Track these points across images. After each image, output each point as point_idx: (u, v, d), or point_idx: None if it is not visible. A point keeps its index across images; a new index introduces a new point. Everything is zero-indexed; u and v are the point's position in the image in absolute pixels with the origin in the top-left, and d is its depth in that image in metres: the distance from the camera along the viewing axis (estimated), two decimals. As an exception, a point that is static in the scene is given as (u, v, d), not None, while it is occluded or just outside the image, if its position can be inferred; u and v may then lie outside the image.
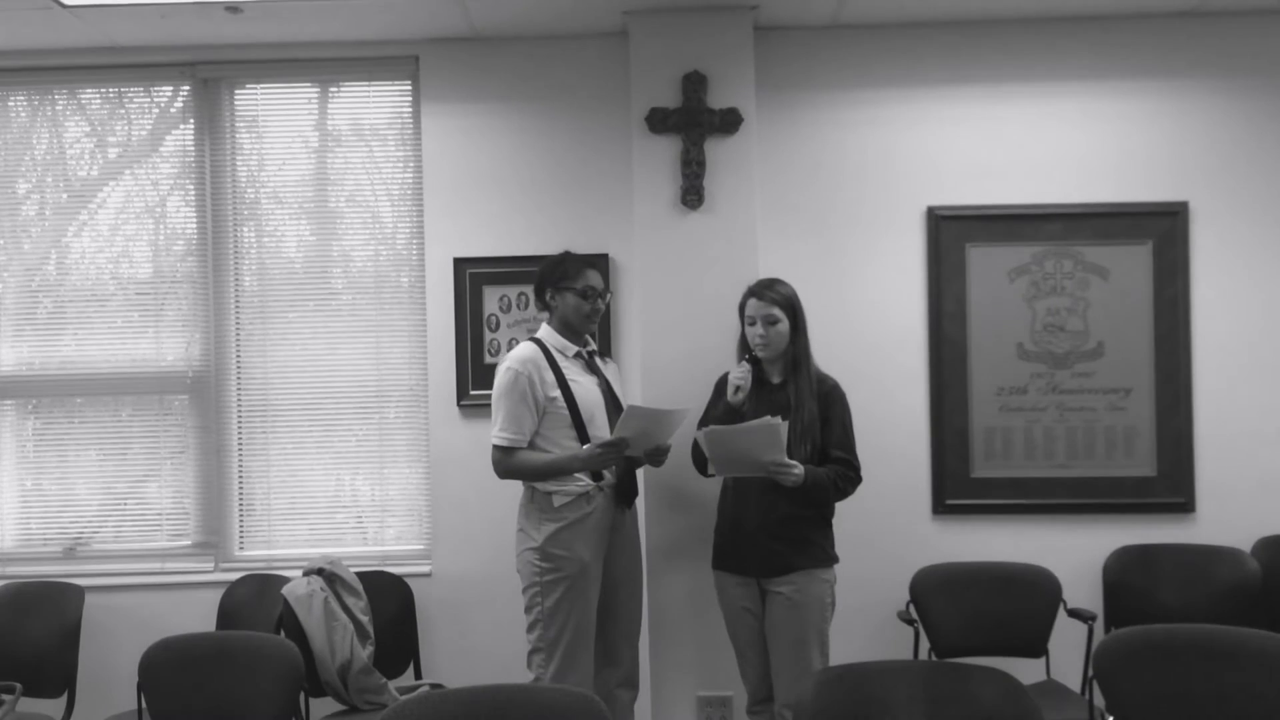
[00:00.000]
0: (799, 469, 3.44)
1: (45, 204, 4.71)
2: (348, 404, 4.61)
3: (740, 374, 3.62)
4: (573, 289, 3.70)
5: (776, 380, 3.66)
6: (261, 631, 3.94)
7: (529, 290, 4.40)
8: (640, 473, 3.85)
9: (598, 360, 3.83)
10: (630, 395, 3.94)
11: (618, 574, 3.76)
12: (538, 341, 3.72)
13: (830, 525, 3.65)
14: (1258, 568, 4.19)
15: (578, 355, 3.74)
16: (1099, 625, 4.11)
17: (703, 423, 3.66)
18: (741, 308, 3.68)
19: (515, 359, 3.67)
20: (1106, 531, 4.33)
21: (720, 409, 3.66)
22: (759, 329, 3.60)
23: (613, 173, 4.43)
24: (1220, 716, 2.67)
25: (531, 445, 3.64)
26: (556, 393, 3.63)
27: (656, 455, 3.70)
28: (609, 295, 3.84)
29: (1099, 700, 3.11)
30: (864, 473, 3.62)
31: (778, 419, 3.40)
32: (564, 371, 3.66)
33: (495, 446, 3.65)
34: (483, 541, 4.41)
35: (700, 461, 3.70)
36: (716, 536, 3.75)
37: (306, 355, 4.61)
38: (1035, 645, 4.13)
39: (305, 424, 4.62)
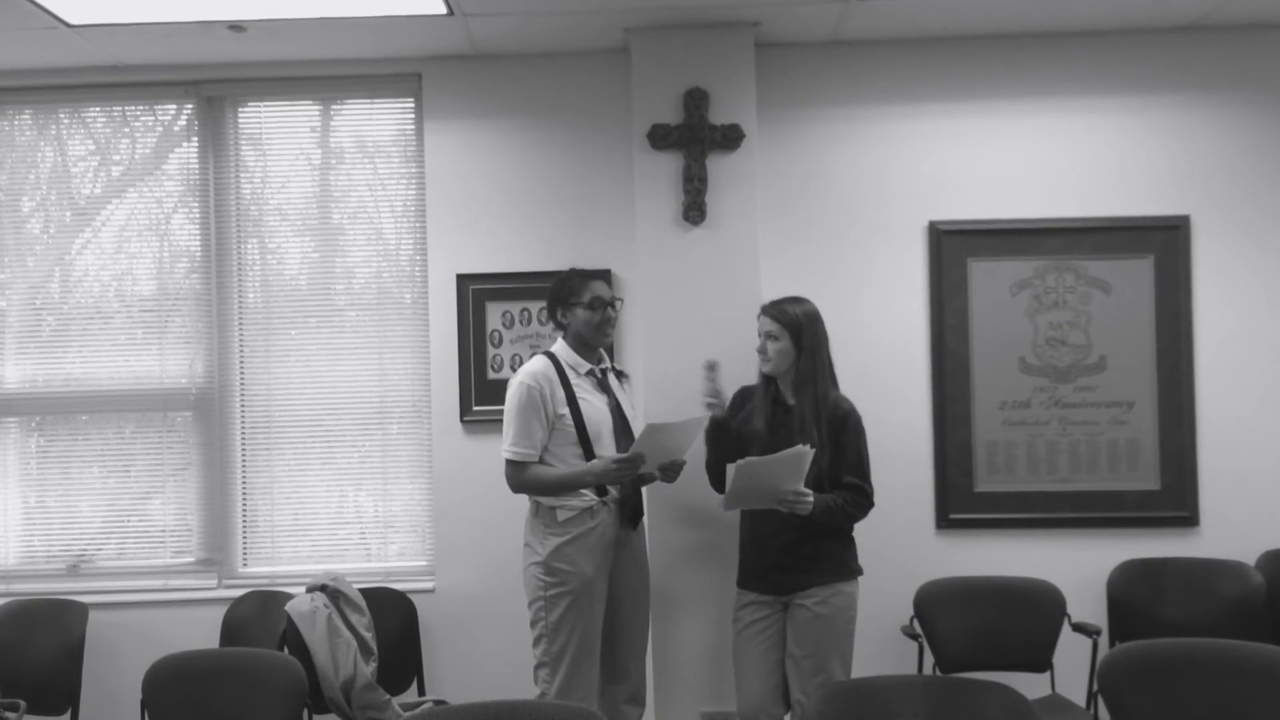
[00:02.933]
0: (810, 498, 3.47)
1: (49, 221, 4.72)
2: (351, 420, 4.62)
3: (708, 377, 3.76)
4: (580, 303, 3.72)
5: (791, 401, 3.68)
6: (265, 648, 3.94)
7: (532, 306, 4.44)
8: (645, 490, 3.85)
9: (611, 378, 3.84)
10: (635, 409, 3.94)
11: (624, 591, 3.76)
12: (551, 356, 3.73)
13: (851, 539, 3.68)
14: (1262, 581, 4.18)
15: (590, 373, 3.75)
16: (1103, 639, 4.10)
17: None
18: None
19: (527, 373, 3.67)
20: (1110, 545, 4.32)
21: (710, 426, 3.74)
22: (760, 344, 3.65)
23: (615, 189, 4.45)
24: (1225, 730, 2.67)
25: (540, 460, 3.65)
26: (565, 410, 3.64)
27: (671, 470, 3.71)
28: (619, 303, 3.84)
29: (1104, 715, 3.10)
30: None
31: (807, 447, 3.43)
32: (574, 389, 3.67)
33: (508, 461, 3.65)
34: (486, 557, 4.40)
35: (716, 478, 3.75)
36: (740, 555, 3.79)
37: (310, 371, 4.62)
38: (1040, 660, 4.12)
39: (308, 440, 4.63)
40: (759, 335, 3.68)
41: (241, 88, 4.63)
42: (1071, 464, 4.38)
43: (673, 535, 4.05)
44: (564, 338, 3.79)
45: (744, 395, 3.83)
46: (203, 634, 4.24)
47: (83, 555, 4.64)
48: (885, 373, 4.40)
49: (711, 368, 3.76)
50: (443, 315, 4.51)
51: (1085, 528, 4.36)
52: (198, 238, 4.65)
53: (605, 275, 4.10)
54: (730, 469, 3.43)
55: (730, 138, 4.17)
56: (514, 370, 3.97)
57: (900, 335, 4.43)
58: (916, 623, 4.18)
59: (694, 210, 4.16)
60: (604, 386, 3.78)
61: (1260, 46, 4.40)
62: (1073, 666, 4.10)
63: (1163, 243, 4.38)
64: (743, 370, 3.83)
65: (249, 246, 4.66)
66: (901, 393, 4.41)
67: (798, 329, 3.62)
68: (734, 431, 3.72)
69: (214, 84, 4.61)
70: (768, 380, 3.71)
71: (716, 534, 3.95)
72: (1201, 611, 4.16)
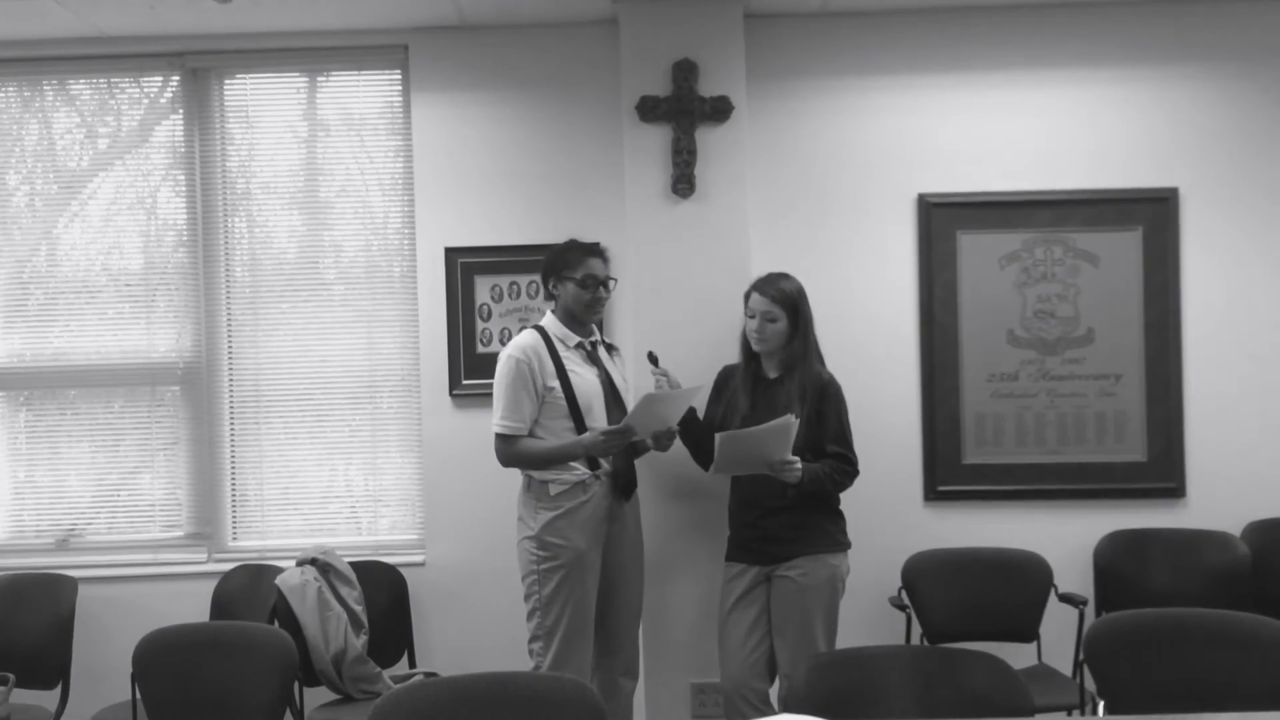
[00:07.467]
0: (799, 466, 3.48)
1: (35, 195, 4.69)
2: (340, 394, 4.61)
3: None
4: (572, 279, 3.70)
5: (773, 375, 3.69)
6: (255, 622, 3.95)
7: (521, 279, 4.44)
8: (638, 463, 3.86)
9: (601, 351, 3.83)
10: (626, 382, 3.94)
11: (618, 565, 3.76)
12: (540, 329, 3.72)
13: (839, 512, 3.72)
14: (1247, 552, 4.21)
15: (579, 346, 3.74)
16: (1090, 609, 4.13)
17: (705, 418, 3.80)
18: (746, 300, 3.71)
19: (516, 346, 3.67)
20: (1097, 516, 4.35)
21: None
22: (756, 323, 3.64)
23: (603, 161, 4.43)
24: (1209, 699, 2.68)
25: (530, 434, 3.65)
26: (555, 383, 3.63)
27: (664, 439, 3.72)
28: (613, 283, 3.82)
29: (1090, 684, 3.13)
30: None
31: (791, 417, 3.44)
32: (564, 361, 3.66)
33: (497, 435, 3.65)
34: (476, 530, 4.41)
35: (699, 455, 3.76)
36: (729, 527, 3.81)
37: (298, 346, 4.61)
38: (1027, 630, 4.15)
39: (298, 414, 4.62)
40: (752, 315, 3.67)
41: (227, 59, 4.59)
42: (1059, 436, 4.40)
43: (663, 507, 4.06)
44: (553, 310, 3.78)
45: (726, 375, 3.84)
46: (193, 608, 4.24)
47: (72, 530, 4.64)
48: (874, 345, 4.40)
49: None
50: (431, 289, 4.50)
51: (1072, 499, 4.38)
52: (184, 211, 4.62)
53: (602, 250, 4.07)
54: (717, 439, 3.45)
55: (719, 110, 4.15)
56: (503, 344, 3.94)
57: (889, 308, 4.43)
58: (904, 594, 4.21)
59: (683, 183, 4.14)
60: (593, 359, 3.77)
61: (1248, 18, 4.39)
62: (1059, 636, 4.13)
63: (1151, 215, 4.38)
64: (728, 335, 3.86)
65: (236, 220, 4.63)
66: (890, 365, 4.42)
67: (794, 307, 3.64)
68: (701, 423, 3.79)
69: (199, 55, 4.57)
70: (750, 357, 3.72)
71: (707, 506, 3.96)
72: (1187, 582, 4.19)
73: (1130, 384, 4.38)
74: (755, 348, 3.69)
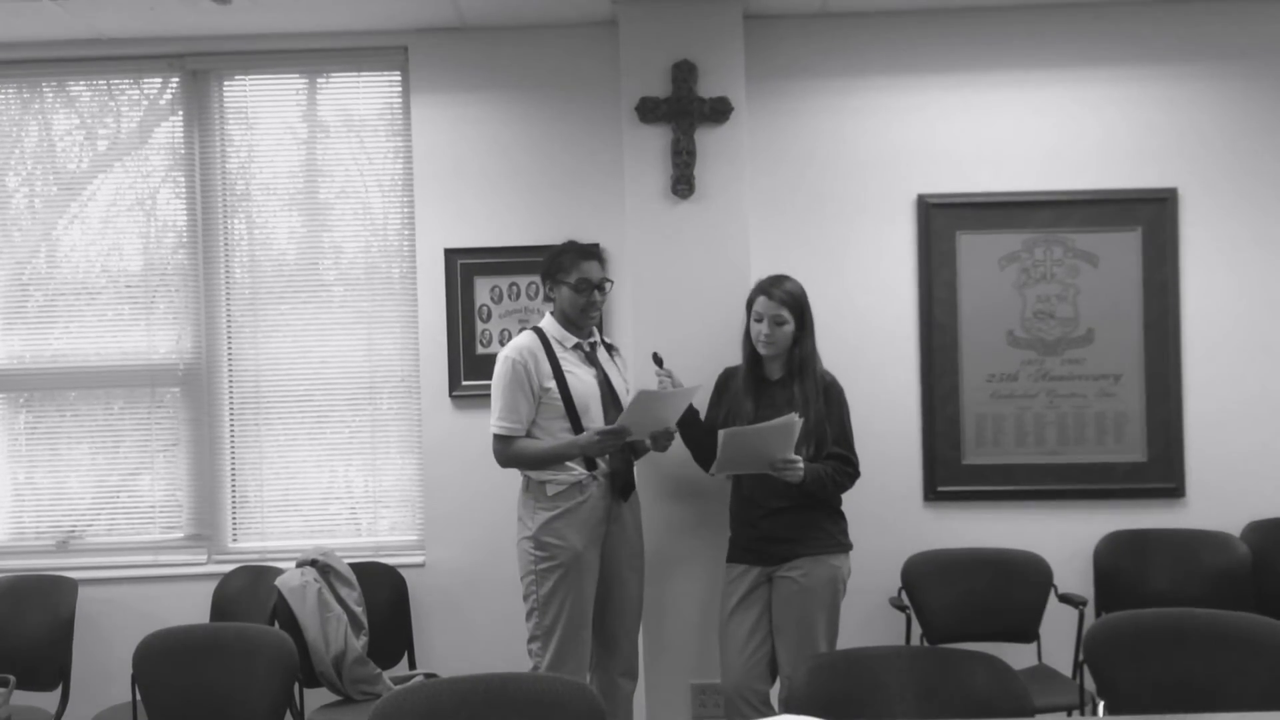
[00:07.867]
0: (801, 465, 3.49)
1: (35, 197, 4.69)
2: (340, 395, 4.61)
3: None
4: (567, 283, 3.70)
5: (776, 377, 3.69)
6: (255, 623, 3.95)
7: (520, 280, 4.44)
8: (638, 463, 3.86)
9: (600, 352, 3.83)
10: (626, 382, 3.95)
11: (616, 565, 3.76)
12: (538, 331, 3.73)
13: (841, 513, 3.72)
14: (1247, 552, 4.21)
15: (576, 346, 3.74)
16: (1090, 610, 4.13)
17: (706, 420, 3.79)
18: (750, 303, 3.70)
19: (513, 348, 3.68)
20: (1097, 517, 4.35)
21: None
22: (765, 327, 3.63)
23: (603, 162, 4.43)
24: (1209, 699, 2.68)
25: (527, 434, 3.66)
26: (552, 383, 3.64)
27: (662, 439, 3.72)
28: (609, 285, 3.81)
29: (1090, 684, 3.13)
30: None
31: (795, 415, 3.45)
32: (561, 362, 3.67)
33: (495, 436, 3.66)
34: (476, 531, 4.41)
35: (700, 457, 3.76)
36: (731, 530, 3.81)
37: (298, 347, 4.61)
38: (1026, 630, 4.15)
39: (297, 416, 4.62)
40: (759, 319, 3.66)
41: (226, 61, 4.59)
42: (1059, 436, 4.40)
43: (663, 507, 4.06)
44: (552, 312, 3.79)
45: (727, 377, 3.84)
46: (193, 609, 4.25)
47: (72, 531, 4.64)
48: (874, 346, 4.40)
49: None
50: (431, 290, 4.50)
51: (1072, 499, 4.38)
52: (184, 213, 4.62)
53: (599, 253, 4.06)
54: (720, 436, 3.45)
55: (719, 111, 4.15)
56: (503, 345, 3.95)
57: (889, 309, 4.43)
58: (904, 594, 4.21)
59: (682, 184, 4.14)
60: (592, 360, 3.77)
61: (1246, 17, 4.39)
62: (1059, 637, 4.13)
63: (1150, 215, 4.38)
64: (728, 336, 3.86)
65: (236, 221, 4.63)
66: (890, 366, 4.42)
67: (801, 308, 3.64)
68: (702, 424, 3.79)
69: (198, 57, 4.57)
70: (753, 360, 3.72)
71: (707, 506, 3.96)
72: (1187, 582, 4.19)
73: (1130, 384, 4.38)
74: (763, 351, 3.67)
